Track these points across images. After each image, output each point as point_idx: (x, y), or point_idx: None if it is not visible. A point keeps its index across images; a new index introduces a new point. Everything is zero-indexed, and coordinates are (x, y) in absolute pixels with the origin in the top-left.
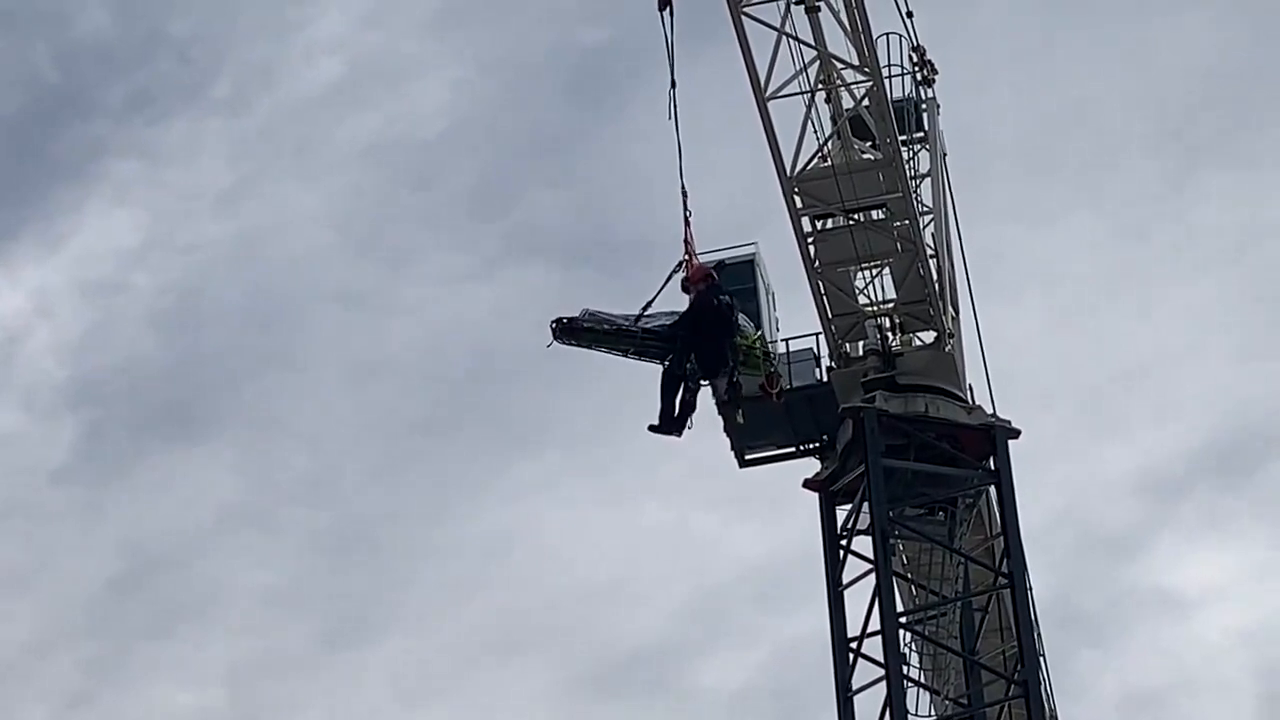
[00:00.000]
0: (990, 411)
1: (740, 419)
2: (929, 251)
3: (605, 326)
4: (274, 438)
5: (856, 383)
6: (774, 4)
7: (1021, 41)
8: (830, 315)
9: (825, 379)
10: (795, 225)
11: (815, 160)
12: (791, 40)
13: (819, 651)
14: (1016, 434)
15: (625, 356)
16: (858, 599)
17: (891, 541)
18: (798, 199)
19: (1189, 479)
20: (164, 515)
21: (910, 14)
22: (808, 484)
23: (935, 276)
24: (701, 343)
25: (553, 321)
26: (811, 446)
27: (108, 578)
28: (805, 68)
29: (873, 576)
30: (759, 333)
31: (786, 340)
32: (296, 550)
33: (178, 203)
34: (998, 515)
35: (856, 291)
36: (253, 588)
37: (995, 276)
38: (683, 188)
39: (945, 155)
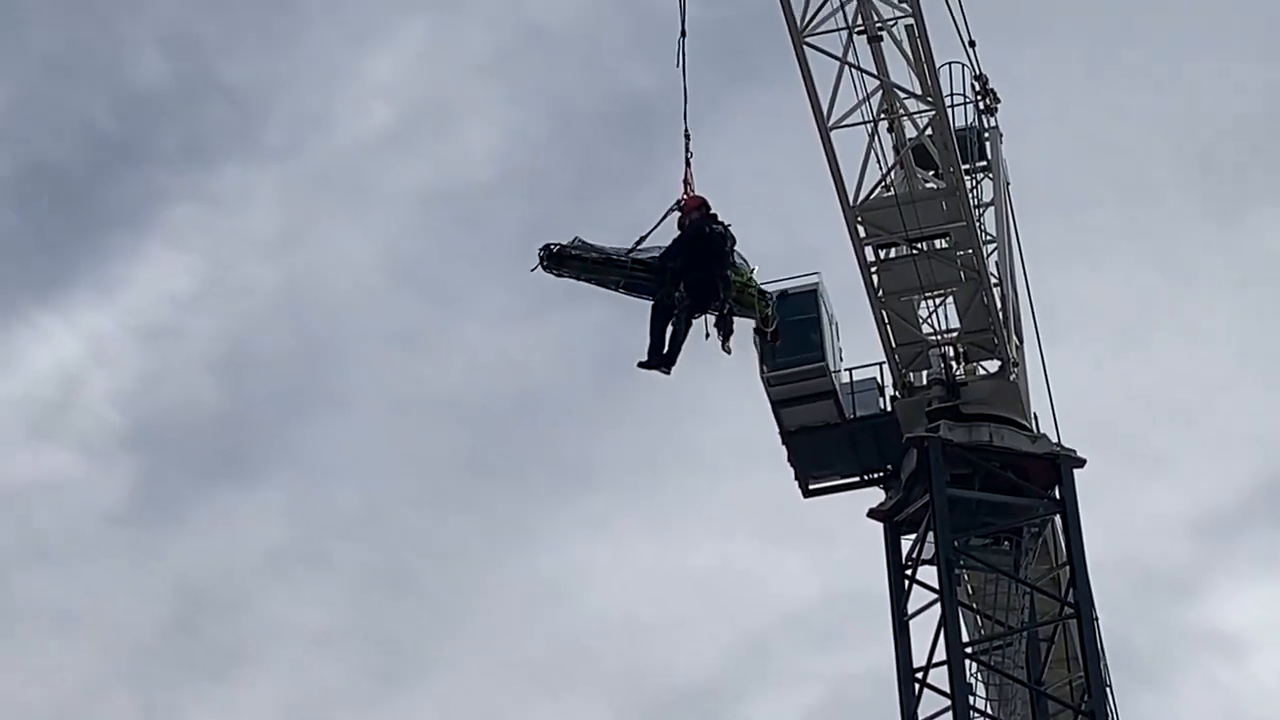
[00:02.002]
0: (1055, 440)
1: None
2: (993, 280)
3: (594, 255)
4: (326, 478)
5: (921, 412)
6: (837, 34)
7: (1065, 78)
8: (894, 345)
9: (889, 408)
10: (859, 255)
11: (878, 190)
12: (854, 70)
13: (874, 689)
14: (1082, 463)
15: (615, 290)
16: (923, 629)
17: (957, 571)
18: (861, 228)
19: (1243, 517)
20: (217, 556)
21: (973, 43)
22: (872, 514)
23: (999, 305)
24: (692, 272)
25: (541, 248)
26: (876, 476)
27: (162, 619)
28: (868, 97)
29: (938, 606)
30: (754, 268)
31: (850, 370)
32: (348, 590)
33: (232, 248)
34: (1063, 544)
35: (920, 321)
36: (305, 627)
37: (1044, 312)
38: (686, 131)
39: (1008, 184)
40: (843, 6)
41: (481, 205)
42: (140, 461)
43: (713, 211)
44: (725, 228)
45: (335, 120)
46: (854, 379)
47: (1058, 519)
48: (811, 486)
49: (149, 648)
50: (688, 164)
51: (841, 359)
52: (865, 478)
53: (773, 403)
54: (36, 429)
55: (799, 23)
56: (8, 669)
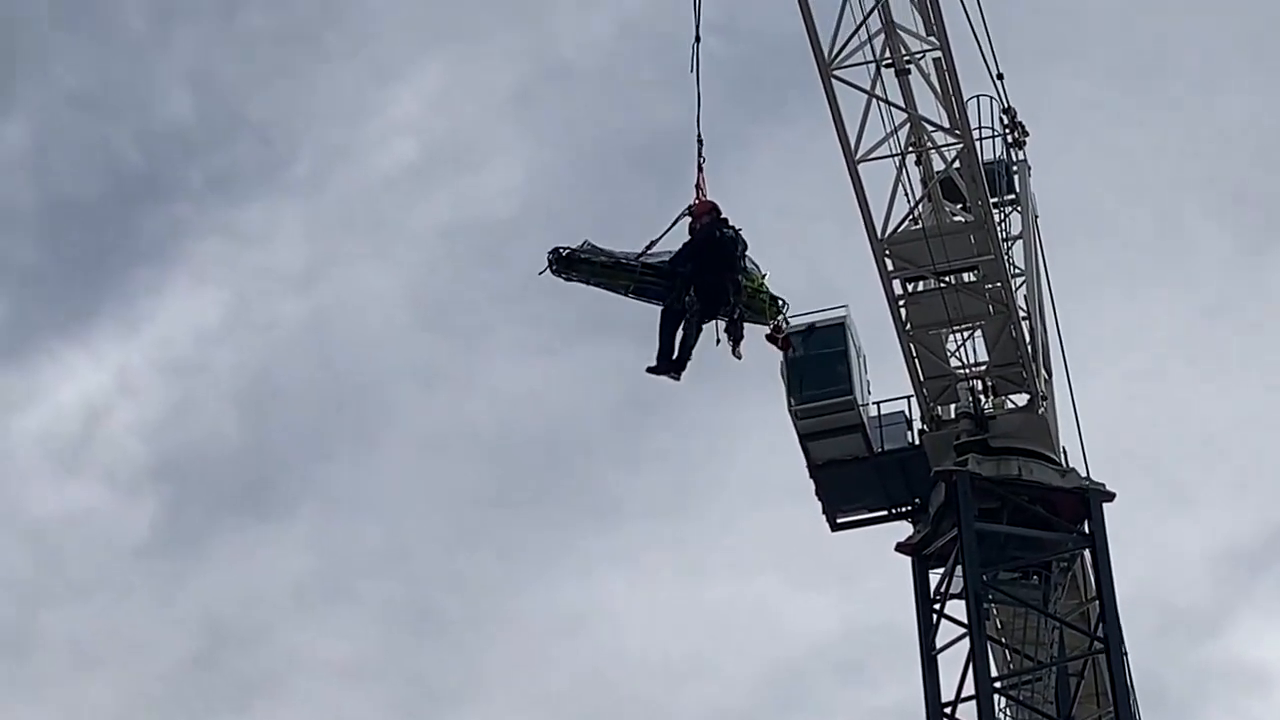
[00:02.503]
0: (1084, 474)
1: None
2: (1021, 314)
3: (603, 259)
4: (350, 512)
5: (949, 445)
6: (864, 67)
7: (1094, 111)
8: (922, 378)
9: (917, 442)
10: (886, 288)
11: (906, 223)
12: (882, 103)
13: None
14: (1111, 497)
15: (625, 295)
16: (951, 664)
17: (985, 606)
18: (889, 261)
19: (1270, 552)
20: (242, 590)
21: (1001, 76)
22: (900, 548)
23: (1028, 338)
24: (702, 276)
25: (550, 251)
26: (904, 510)
27: (187, 652)
28: (896, 130)
29: (966, 641)
30: (766, 274)
31: (878, 403)
32: (372, 623)
33: (257, 282)
34: (1092, 579)
35: (948, 354)
36: (329, 661)
37: (1073, 346)
38: (699, 136)
39: (1037, 217)
40: (870, 40)
41: (504, 240)
42: (165, 494)
43: (723, 216)
44: (736, 232)
45: (359, 155)
46: (882, 412)
47: (1087, 553)
48: (839, 520)
49: (173, 680)
50: (700, 169)
51: (869, 392)
52: (893, 511)
53: (800, 436)
54: (61, 462)
55: (827, 56)
56: (33, 701)
